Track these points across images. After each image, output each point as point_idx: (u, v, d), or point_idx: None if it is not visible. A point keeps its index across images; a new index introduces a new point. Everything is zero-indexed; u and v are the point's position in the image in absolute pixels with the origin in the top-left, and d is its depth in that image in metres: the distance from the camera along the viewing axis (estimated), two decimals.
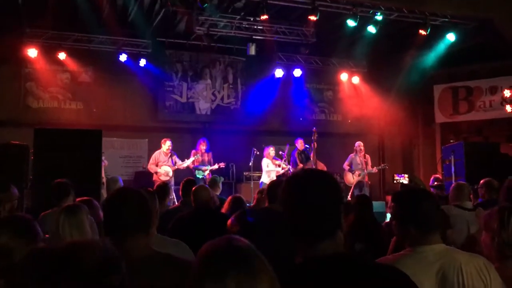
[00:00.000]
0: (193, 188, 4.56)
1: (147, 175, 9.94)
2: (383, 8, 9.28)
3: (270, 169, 10.07)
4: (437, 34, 10.24)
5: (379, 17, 9.37)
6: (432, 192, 6.80)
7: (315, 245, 1.54)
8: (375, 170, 10.64)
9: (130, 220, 2.00)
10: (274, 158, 10.17)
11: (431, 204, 2.19)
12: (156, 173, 9.42)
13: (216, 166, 9.88)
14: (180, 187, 5.74)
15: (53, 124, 9.78)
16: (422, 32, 9.54)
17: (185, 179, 5.84)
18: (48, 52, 10.70)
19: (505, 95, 10.49)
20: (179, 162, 9.61)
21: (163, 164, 9.48)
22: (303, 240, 1.57)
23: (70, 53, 10.86)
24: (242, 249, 1.23)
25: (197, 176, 9.66)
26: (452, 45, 10.73)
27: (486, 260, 2.10)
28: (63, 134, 6.83)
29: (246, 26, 10.76)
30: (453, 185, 5.23)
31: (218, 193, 6.56)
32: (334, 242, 1.55)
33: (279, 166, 10.09)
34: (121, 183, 5.83)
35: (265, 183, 9.83)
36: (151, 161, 9.65)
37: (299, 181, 1.63)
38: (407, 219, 2.17)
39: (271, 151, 10.15)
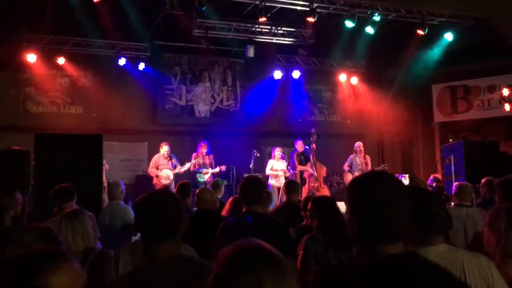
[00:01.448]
0: (197, 191, 4.59)
1: (148, 179, 9.95)
2: (381, 9, 9.31)
3: (275, 168, 10.10)
4: (435, 33, 10.28)
5: (377, 18, 9.40)
6: (437, 194, 6.83)
7: (387, 246, 1.55)
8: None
9: (160, 228, 2.02)
10: (282, 158, 10.18)
11: (439, 208, 2.20)
12: (157, 176, 9.43)
13: (217, 169, 9.88)
14: (175, 190, 5.73)
15: (53, 129, 9.79)
16: (420, 32, 9.57)
17: (180, 183, 5.79)
18: (47, 57, 10.73)
19: (504, 94, 10.52)
20: (179, 165, 9.63)
21: (164, 168, 9.49)
22: (375, 241, 1.57)
23: (69, 58, 10.89)
24: (268, 250, 1.24)
25: (199, 179, 9.68)
26: (450, 45, 10.76)
27: (488, 259, 2.12)
28: (64, 139, 6.82)
29: (245, 28, 10.80)
30: (455, 184, 5.26)
31: (220, 196, 6.58)
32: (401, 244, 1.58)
33: (281, 170, 10.09)
34: (123, 187, 5.85)
35: (272, 185, 9.86)
36: (151, 164, 9.66)
37: (375, 184, 1.62)
38: (412, 219, 2.18)
39: (277, 152, 10.17)
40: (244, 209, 3.53)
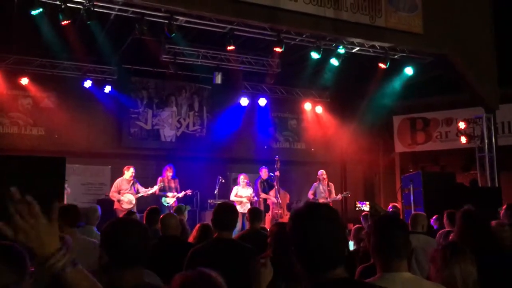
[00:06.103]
0: (161, 216, 4.56)
1: (109, 203, 9.75)
2: (345, 42, 9.63)
3: (240, 194, 10.12)
4: (396, 67, 10.69)
5: (341, 50, 9.70)
6: (403, 221, 7.00)
7: (330, 272, 1.65)
8: (339, 197, 10.82)
9: (131, 254, 2.03)
10: (247, 185, 10.22)
11: (397, 233, 2.25)
12: (119, 201, 9.27)
13: (182, 194, 9.82)
14: (144, 216, 5.66)
15: (13, 150, 9.54)
16: (382, 65, 9.94)
17: (149, 208, 5.74)
18: (10, 77, 10.53)
19: (460, 127, 10.97)
20: (142, 189, 9.50)
21: (126, 192, 9.35)
22: (317, 267, 1.66)
23: (33, 78, 10.71)
24: (214, 281, 1.29)
25: (163, 204, 9.58)
26: (410, 78, 11.20)
27: None
28: (26, 162, 6.66)
29: (213, 55, 10.94)
30: (411, 215, 5.41)
31: None
32: (343, 270, 1.67)
33: (245, 197, 10.12)
34: (99, 213, 5.70)
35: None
36: (113, 188, 9.48)
37: (318, 215, 1.72)
38: (373, 245, 2.27)
39: (242, 179, 10.20)
40: (215, 235, 3.55)
